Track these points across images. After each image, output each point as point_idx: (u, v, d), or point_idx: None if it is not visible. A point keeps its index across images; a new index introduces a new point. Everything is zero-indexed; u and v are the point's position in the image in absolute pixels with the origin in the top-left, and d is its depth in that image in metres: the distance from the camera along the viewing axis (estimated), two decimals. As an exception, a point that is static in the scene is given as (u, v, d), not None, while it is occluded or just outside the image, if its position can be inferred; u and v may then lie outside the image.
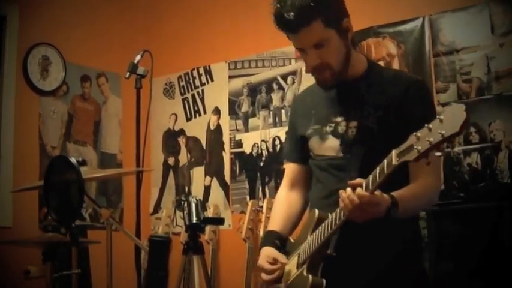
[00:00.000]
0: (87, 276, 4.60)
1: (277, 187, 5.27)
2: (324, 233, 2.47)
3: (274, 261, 2.69)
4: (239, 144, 5.75)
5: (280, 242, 2.79)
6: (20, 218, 5.16)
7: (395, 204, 2.32)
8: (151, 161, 6.24)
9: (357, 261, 2.50)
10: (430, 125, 1.98)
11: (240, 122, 5.77)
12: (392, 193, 2.34)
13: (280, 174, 5.37)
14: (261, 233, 4.96)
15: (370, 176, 2.24)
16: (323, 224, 2.50)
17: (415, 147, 2.03)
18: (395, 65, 4.87)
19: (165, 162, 6.25)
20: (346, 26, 2.59)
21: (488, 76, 4.48)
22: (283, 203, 2.94)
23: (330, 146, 2.66)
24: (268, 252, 2.74)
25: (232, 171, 5.76)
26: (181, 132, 6.18)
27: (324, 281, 2.47)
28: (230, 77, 5.88)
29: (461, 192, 4.18)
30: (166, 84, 6.31)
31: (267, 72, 5.63)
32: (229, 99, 5.87)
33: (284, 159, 3.11)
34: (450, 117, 1.94)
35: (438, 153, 2.00)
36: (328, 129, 2.67)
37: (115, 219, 4.26)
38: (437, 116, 1.98)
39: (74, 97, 5.82)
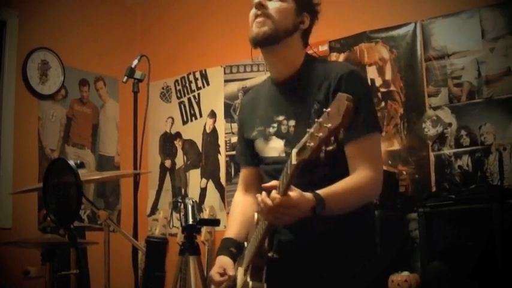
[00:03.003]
0: (85, 277, 4.61)
1: (271, 189, 5.34)
2: (257, 238, 2.41)
3: (224, 272, 2.60)
4: (234, 147, 5.74)
5: (237, 248, 2.68)
6: (20, 219, 5.20)
7: (321, 202, 2.22)
8: (149, 163, 6.28)
9: (304, 263, 2.45)
10: (321, 119, 1.89)
11: (235, 125, 5.76)
12: (319, 191, 2.25)
13: (275, 176, 5.44)
14: (256, 234, 5.02)
15: (280, 177, 2.16)
16: (256, 229, 2.44)
17: (307, 144, 1.95)
18: (388, 69, 4.92)
19: (162, 165, 6.30)
20: (303, 19, 2.60)
21: (478, 80, 4.53)
22: (238, 207, 2.85)
23: (274, 147, 2.59)
24: (220, 262, 2.65)
25: (228, 173, 5.82)
26: (178, 135, 6.23)
27: (265, 285, 2.40)
28: (226, 81, 5.94)
29: (452, 194, 4.17)
30: (163, 88, 6.36)
31: (262, 76, 5.51)
32: (225, 103, 5.92)
33: (237, 163, 2.97)
34: (335, 108, 1.86)
35: (330, 148, 1.91)
36: (271, 130, 2.59)
37: (113, 220, 4.30)
38: (325, 109, 1.90)
39: (73, 101, 5.87)
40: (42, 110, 5.60)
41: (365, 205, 2.49)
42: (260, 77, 5.65)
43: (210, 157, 5.95)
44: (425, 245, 4.06)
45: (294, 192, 2.17)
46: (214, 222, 4.80)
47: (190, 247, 4.22)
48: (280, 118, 2.57)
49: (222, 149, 5.88)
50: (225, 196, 5.80)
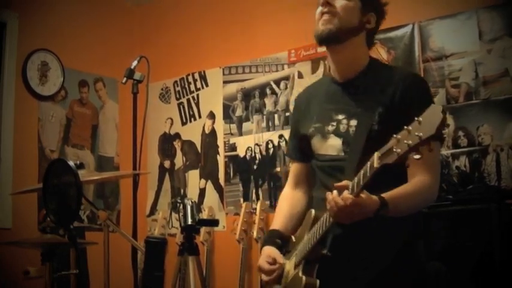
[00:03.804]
0: (85, 277, 4.62)
1: (270, 190, 5.38)
2: (316, 234, 2.47)
3: (274, 262, 2.67)
4: (233, 147, 5.81)
5: (282, 240, 2.76)
6: (20, 219, 5.21)
7: (385, 205, 2.29)
8: (148, 164, 6.29)
9: (354, 262, 2.48)
10: (410, 127, 1.94)
11: (234, 126, 5.83)
12: (383, 194, 2.31)
13: (273, 177, 5.46)
14: (255, 235, 5.04)
15: (355, 179, 2.21)
16: (316, 225, 2.49)
17: (394, 149, 1.99)
18: (386, 71, 4.92)
19: (161, 166, 6.32)
20: (368, 18, 2.66)
21: (476, 81, 4.54)
22: (287, 201, 2.92)
23: (332, 145, 2.63)
24: (268, 252, 2.72)
25: (227, 174, 5.82)
26: (177, 136, 6.25)
27: (318, 281, 2.45)
28: (224, 82, 5.95)
29: (450, 195, 4.15)
30: (162, 89, 6.37)
31: (261, 78, 5.70)
32: (224, 104, 5.93)
33: (289, 158, 3.02)
34: (428, 118, 1.90)
35: (417, 156, 1.94)
36: (330, 128, 2.63)
37: (112, 221, 4.31)
38: (416, 118, 1.93)
39: (72, 102, 5.89)
40: (42, 111, 5.61)
41: None
42: (259, 78, 5.69)
43: (209, 158, 5.96)
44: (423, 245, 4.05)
45: (364, 194, 2.24)
46: (213, 222, 4.81)
47: (189, 247, 4.23)
48: (340, 117, 2.62)
49: (221, 149, 5.88)
50: (224, 197, 5.81)
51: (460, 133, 4.55)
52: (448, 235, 3.96)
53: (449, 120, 4.61)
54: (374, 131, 2.47)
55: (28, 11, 5.57)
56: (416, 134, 1.91)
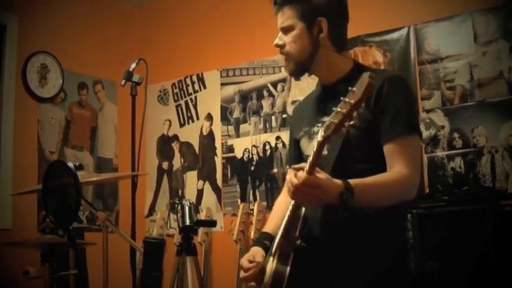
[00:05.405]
0: (84, 277, 4.61)
1: (267, 191, 5.40)
2: (285, 221, 2.49)
3: (253, 260, 2.69)
4: (231, 149, 5.84)
5: (271, 242, 2.75)
6: (19, 220, 5.23)
7: (349, 189, 2.26)
8: (146, 165, 6.30)
9: (333, 254, 2.49)
10: (346, 98, 2.07)
11: (231, 128, 5.86)
12: (350, 180, 2.28)
13: (270, 178, 5.49)
14: (252, 235, 5.05)
15: (309, 158, 2.24)
16: (285, 215, 2.50)
17: (332, 120, 2.11)
18: (382, 73, 4.94)
19: (159, 167, 6.33)
20: (319, 26, 2.61)
21: (471, 83, 4.57)
22: (280, 206, 2.93)
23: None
24: (252, 252, 2.74)
25: (224, 175, 5.85)
26: (175, 137, 6.26)
27: (288, 268, 2.45)
28: (222, 84, 5.97)
29: (445, 196, 4.18)
30: (160, 91, 6.39)
31: (258, 80, 5.72)
32: (221, 106, 5.96)
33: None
34: (358, 85, 2.03)
35: (351, 122, 2.12)
36: (315, 129, 2.66)
37: (111, 221, 4.31)
38: (350, 88, 2.08)
39: (72, 104, 5.90)
40: (41, 113, 5.63)
41: (398, 208, 2.51)
42: (256, 80, 5.73)
43: (207, 159, 5.99)
44: (419, 245, 4.06)
45: (322, 174, 2.25)
46: (211, 223, 4.84)
47: (187, 248, 4.26)
48: (325, 119, 2.59)
49: (219, 151, 5.91)
50: (221, 198, 5.84)
51: (455, 135, 4.58)
52: (444, 235, 3.99)
53: (445, 122, 4.65)
54: (352, 128, 2.45)
55: (28, 13, 5.58)
56: (348, 101, 2.07)
